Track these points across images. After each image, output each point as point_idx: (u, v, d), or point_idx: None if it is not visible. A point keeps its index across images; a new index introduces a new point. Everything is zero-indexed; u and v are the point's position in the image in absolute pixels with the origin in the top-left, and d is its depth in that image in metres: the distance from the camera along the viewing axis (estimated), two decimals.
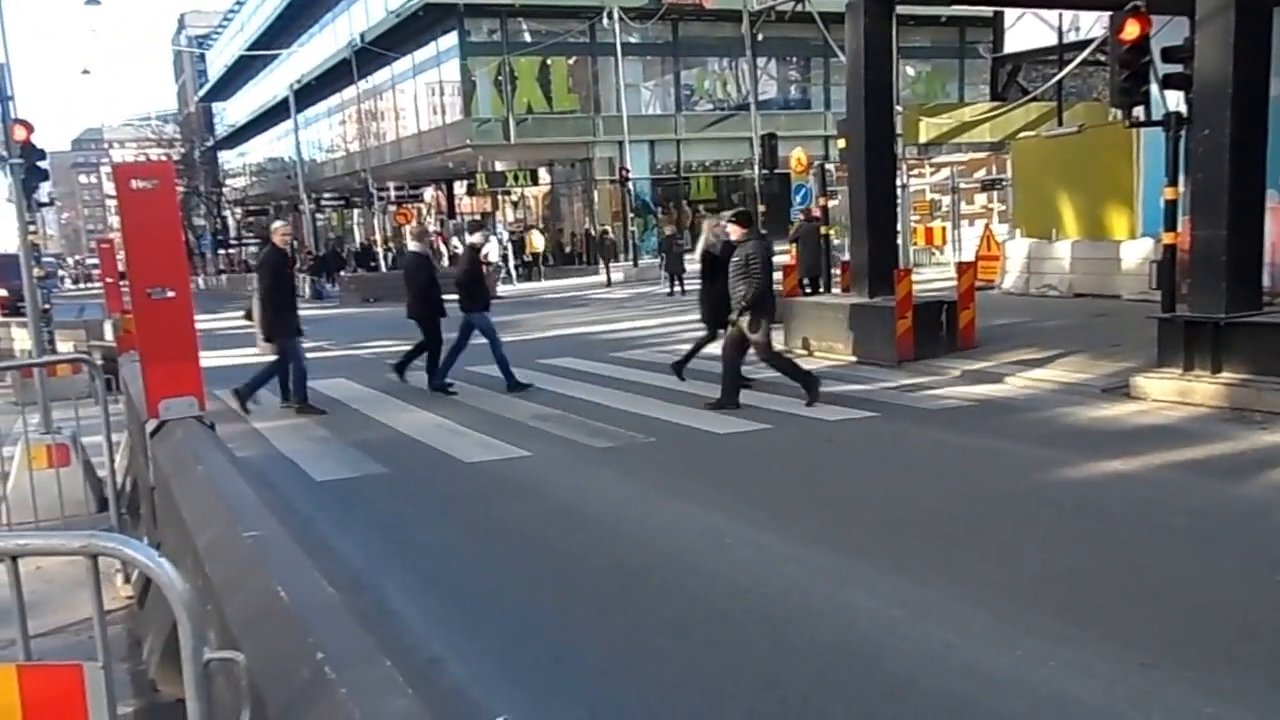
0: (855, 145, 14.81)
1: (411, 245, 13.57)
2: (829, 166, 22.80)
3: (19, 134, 9.92)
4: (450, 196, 52.19)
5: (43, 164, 10.98)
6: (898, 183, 18.29)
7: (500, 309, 26.71)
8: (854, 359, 13.42)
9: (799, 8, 21.75)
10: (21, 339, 17.05)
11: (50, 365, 8.15)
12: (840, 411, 10.34)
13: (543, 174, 44.73)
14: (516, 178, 44.19)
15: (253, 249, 70.36)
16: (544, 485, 8.20)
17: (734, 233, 10.76)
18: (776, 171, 26.81)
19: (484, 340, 13.30)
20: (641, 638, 5.03)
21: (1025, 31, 26.32)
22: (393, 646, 4.77)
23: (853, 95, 14.90)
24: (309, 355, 17.96)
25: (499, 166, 43.83)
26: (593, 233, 40.49)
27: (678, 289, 26.82)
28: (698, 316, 12.92)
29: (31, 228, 11.41)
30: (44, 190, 13.10)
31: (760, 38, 22.40)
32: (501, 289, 32.51)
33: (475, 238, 14.70)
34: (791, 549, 6.22)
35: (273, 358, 11.93)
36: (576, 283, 35.57)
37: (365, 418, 11.50)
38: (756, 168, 21.98)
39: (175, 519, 3.71)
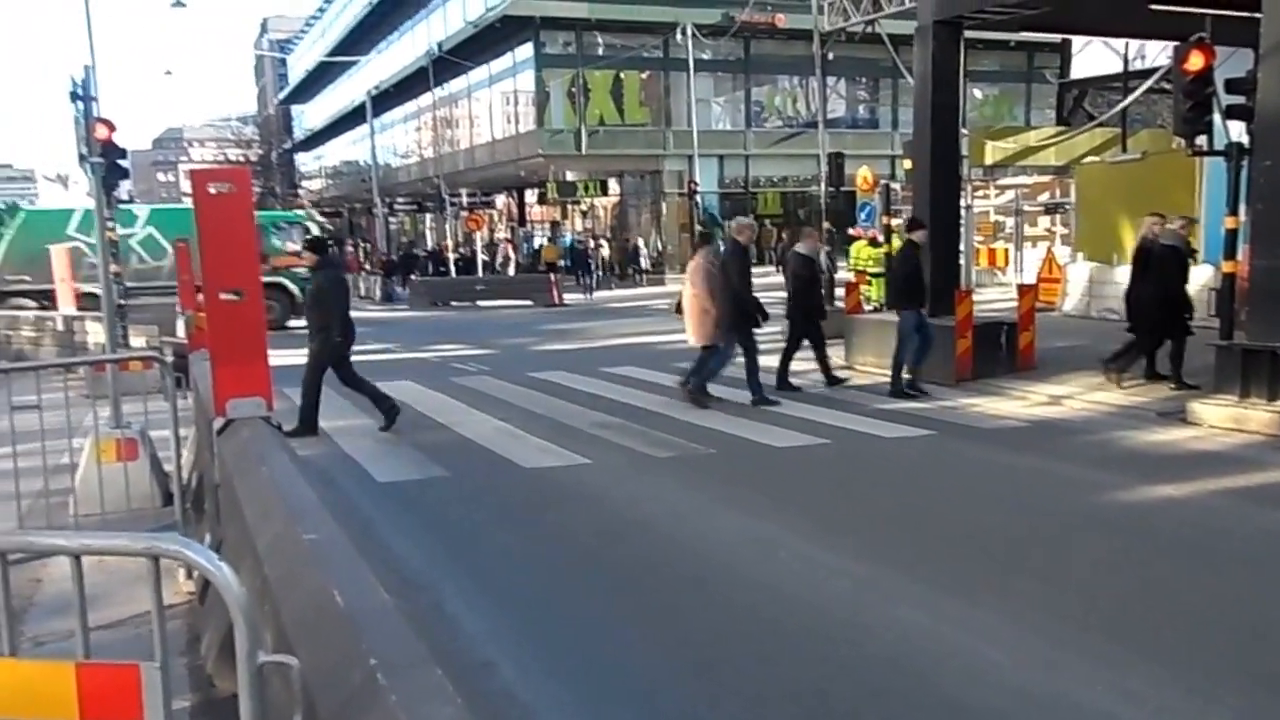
0: (921, 167, 14.78)
1: (799, 247, 13.37)
2: (894, 186, 22.64)
3: (100, 132, 10.18)
4: (521, 204, 52.67)
5: (123, 162, 11.26)
6: (962, 204, 18.13)
7: (565, 317, 27.01)
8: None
9: (870, 30, 21.66)
10: (96, 333, 17.52)
11: (122, 362, 8.34)
12: (898, 429, 10.30)
13: (612, 185, 44.95)
14: (586, 188, 44.49)
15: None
16: (602, 493, 8.22)
17: (307, 261, 10.74)
18: (843, 189, 26.70)
19: (547, 346, 13.29)
20: (693, 647, 5.02)
21: (1092, 57, 26.12)
22: (446, 649, 4.83)
23: (919, 118, 14.88)
24: (378, 357, 18.27)
25: (569, 176, 44.16)
26: (638, 243, 40.65)
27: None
28: (767, 330, 12.95)
29: (110, 224, 11.69)
30: (124, 188, 13.40)
31: (830, 57, 22.32)
32: (568, 298, 32.74)
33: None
34: (844, 563, 6.21)
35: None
36: (641, 292, 35.67)
37: (428, 420, 11.61)
38: (823, 185, 21.82)
39: (237, 517, 3.77)
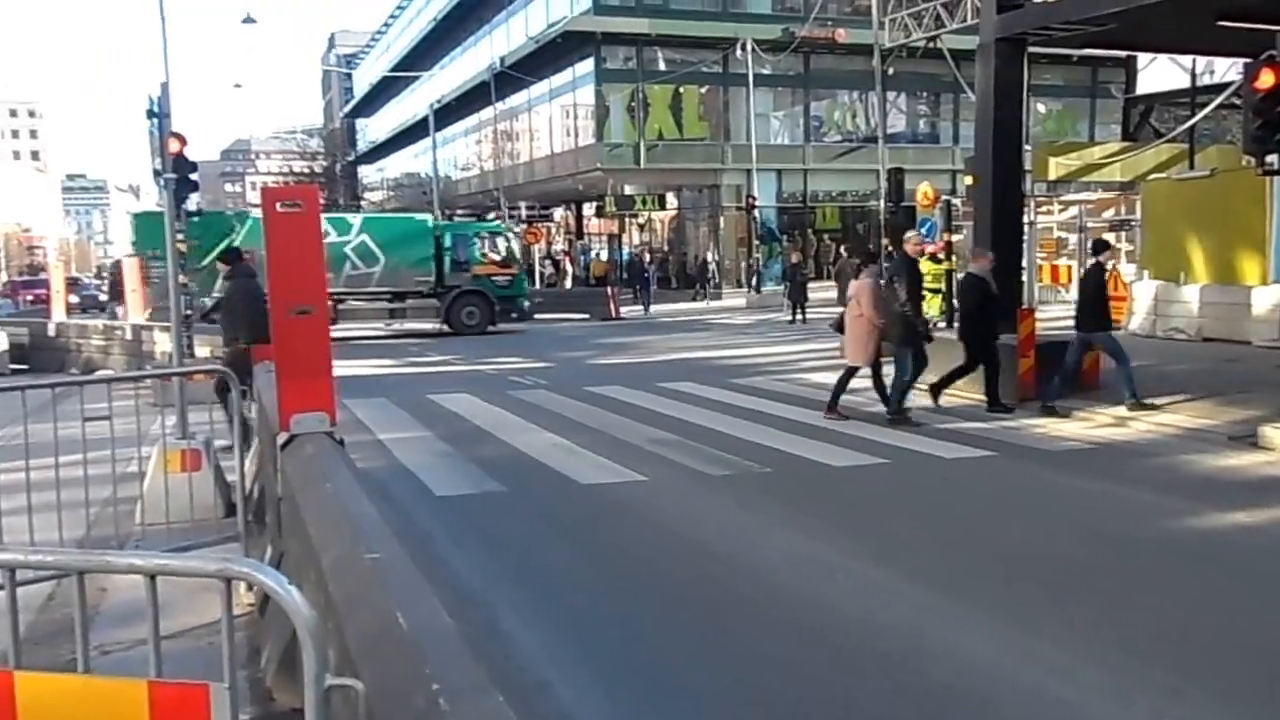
0: (982, 184, 14.61)
1: (972, 267, 12.97)
2: (955, 201, 22.42)
3: (172, 147, 10.41)
4: (579, 217, 52.97)
5: (193, 176, 11.48)
6: (1024, 220, 17.92)
7: (622, 331, 27.08)
8: (975, 397, 13.09)
9: (931, 45, 21.52)
10: (163, 342, 17.90)
11: (189, 375, 8.50)
12: (958, 449, 10.15)
13: (670, 199, 45.06)
14: (645, 202, 44.67)
15: None
16: (658, 511, 8.20)
17: (221, 269, 10.89)
18: (902, 204, 26.53)
19: (604, 360, 13.32)
20: (750, 670, 4.99)
21: (1158, 72, 25.95)
22: (501, 668, 4.84)
23: (981, 134, 14.71)
24: (435, 370, 18.47)
25: (628, 190, 44.37)
26: (706, 259, 40.60)
27: (799, 317, 26.67)
28: (824, 345, 12.86)
29: (179, 235, 11.93)
30: (193, 200, 13.67)
31: (891, 72, 22.21)
32: (625, 311, 32.82)
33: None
34: (903, 587, 6.13)
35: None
36: (698, 306, 35.67)
37: (485, 434, 11.67)
38: (882, 200, 21.68)
39: (301, 533, 3.81)
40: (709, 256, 40.67)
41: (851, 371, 11.92)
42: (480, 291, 27.38)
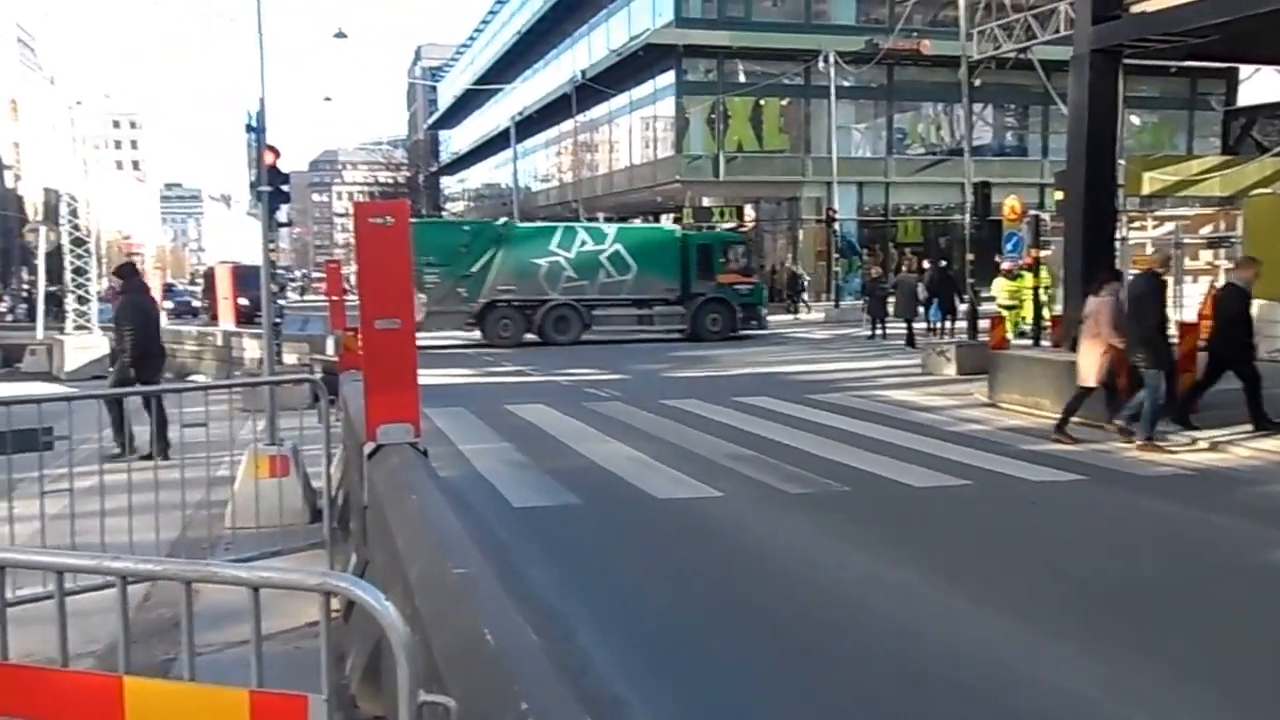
0: (1073, 199, 14.30)
1: (1233, 277, 11.97)
2: (1043, 216, 21.96)
3: (267, 159, 10.69)
4: None
5: (285, 187, 11.78)
6: (1116, 236, 17.46)
7: (698, 344, 27.04)
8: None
9: (1021, 56, 21.12)
10: (252, 348, 18.39)
11: (280, 384, 8.72)
12: (1045, 472, 9.91)
13: (748, 211, 44.95)
14: (723, 213, 44.57)
15: None
16: (734, 527, 8.17)
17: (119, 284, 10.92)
18: (988, 219, 26.11)
19: (679, 373, 13.32)
20: (827, 695, 4.94)
21: (1261, 83, 24.86)
22: (578, 683, 4.86)
23: (1073, 148, 14.39)
24: (511, 380, 18.61)
25: (706, 202, 44.35)
26: (796, 271, 40.40)
27: (879, 333, 26.37)
28: (904, 362, 12.70)
29: (270, 244, 12.23)
30: (283, 210, 13.98)
31: (978, 84, 21.85)
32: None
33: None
34: (987, 614, 6.00)
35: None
36: (774, 319, 35.46)
37: (561, 445, 11.74)
38: (967, 214, 21.34)
39: (387, 544, 3.88)
40: (798, 268, 40.43)
41: (1085, 392, 11.42)
42: (723, 299, 28.13)
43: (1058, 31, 18.75)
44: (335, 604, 5.68)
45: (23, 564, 2.43)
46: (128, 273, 12.25)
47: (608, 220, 45.23)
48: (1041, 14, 19.70)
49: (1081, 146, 13.89)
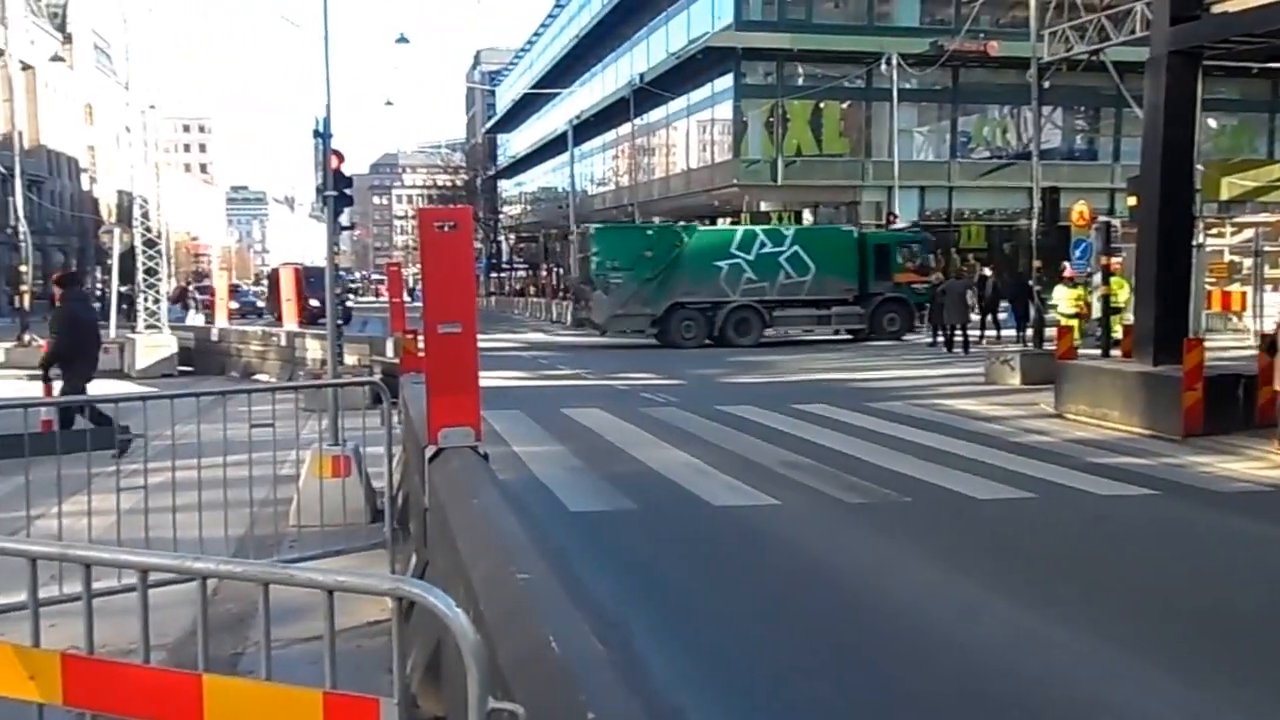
0: (1148, 204, 13.97)
1: None
2: (1114, 222, 21.53)
3: (332, 164, 10.86)
4: None
5: (348, 191, 11.96)
6: (1193, 243, 17.08)
7: (753, 349, 26.95)
8: (1132, 430, 12.58)
9: (1094, 58, 20.68)
10: (314, 349, 18.68)
11: (344, 386, 8.87)
12: (1115, 486, 9.68)
13: (806, 215, 44.69)
14: (781, 218, 44.32)
15: (522, 274, 74.26)
16: (792, 537, 8.12)
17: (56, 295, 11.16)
18: (1056, 225, 25.69)
19: (735, 379, 13.30)
20: (888, 711, 4.88)
21: None
22: (641, 693, 4.86)
23: (1148, 152, 14.05)
24: (567, 384, 18.68)
25: (764, 206, 44.13)
26: None
27: (940, 339, 26.08)
28: (966, 370, 12.53)
29: (336, 248, 12.40)
30: (345, 213, 14.21)
31: (1047, 85, 21.45)
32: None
33: None
34: (1054, 632, 5.86)
35: None
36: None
37: (617, 450, 11.76)
38: (1034, 219, 20.98)
39: (449, 546, 3.92)
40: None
41: None
42: (901, 298, 28.52)
43: (1133, 32, 18.34)
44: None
45: (108, 562, 2.51)
46: (68, 281, 12.85)
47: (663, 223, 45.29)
48: (1116, 14, 19.27)
49: (1157, 150, 13.54)
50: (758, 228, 31.40)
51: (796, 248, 27.82)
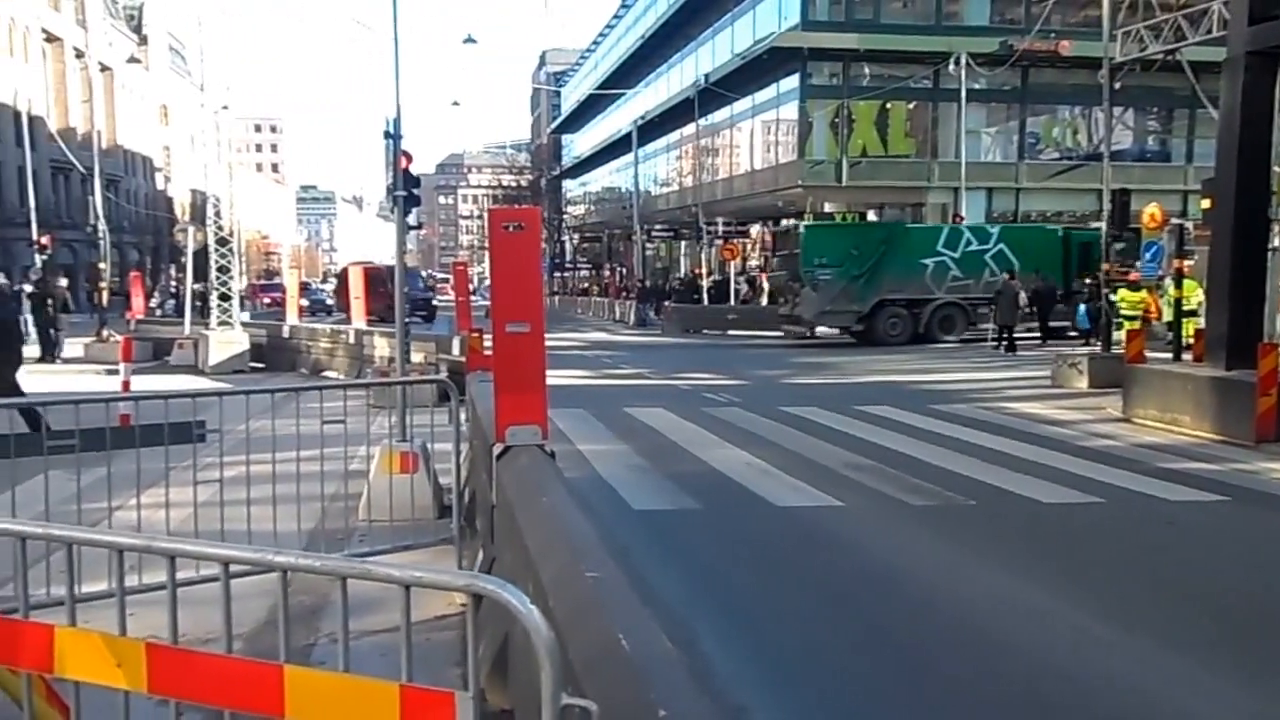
0: (1222, 207, 13.71)
1: None
2: (1187, 225, 21.07)
3: (401, 163, 11.03)
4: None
5: (416, 191, 12.15)
6: (1268, 246, 16.66)
7: (817, 350, 26.83)
8: (1203, 435, 12.34)
9: (1168, 58, 20.22)
10: (381, 347, 18.95)
11: (414, 384, 9.02)
12: (1185, 491, 9.52)
13: (871, 216, 44.32)
14: (845, 219, 44.05)
15: (585, 273, 74.63)
16: (856, 539, 8.09)
17: None
18: (1127, 227, 25.21)
19: (798, 380, 13.26)
20: (953, 715, 4.85)
21: None
22: (706, 690, 4.88)
23: (1223, 154, 13.78)
24: (630, 383, 18.72)
25: (828, 207, 43.86)
26: None
27: (1005, 341, 25.75)
28: (1032, 373, 12.38)
29: (406, 247, 12.59)
30: (413, 213, 14.44)
31: (1119, 86, 21.01)
32: (820, 330, 32.44)
33: None
34: (1122, 639, 5.79)
35: None
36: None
37: (680, 450, 11.79)
38: (1104, 222, 20.58)
39: (517, 543, 3.97)
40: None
41: None
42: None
43: (1210, 32, 17.92)
44: (463, 598, 5.85)
45: (193, 554, 2.58)
46: None
47: (726, 225, 45.19)
48: (1192, 14, 18.84)
49: (1232, 152, 13.31)
50: (963, 226, 31.47)
51: (1002, 245, 27.98)
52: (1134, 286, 21.25)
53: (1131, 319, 19.27)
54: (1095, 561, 7.46)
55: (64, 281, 30.58)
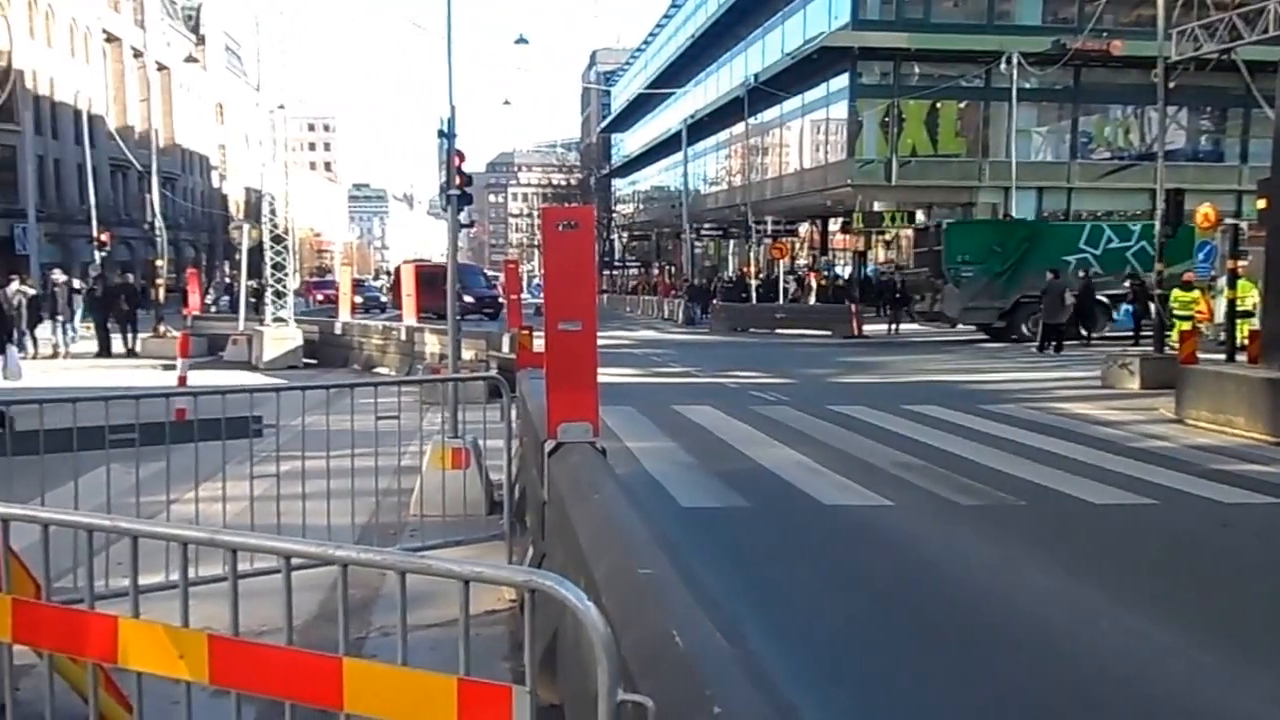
0: (1278, 206, 13.43)
1: None
2: (1242, 225, 20.67)
3: (454, 162, 11.13)
4: (824, 233, 52.55)
5: (469, 189, 12.25)
6: None
7: (865, 349, 26.67)
8: (1258, 437, 12.14)
9: (1223, 57, 19.87)
10: (432, 343, 19.12)
11: (464, 380, 9.10)
12: (1238, 493, 9.38)
13: (920, 216, 43.95)
14: (893, 218, 43.77)
15: (634, 272, 74.72)
16: (904, 538, 8.05)
17: None
18: (1179, 226, 24.79)
19: (846, 379, 13.19)
20: (1009, 713, 4.83)
21: None
22: (761, 687, 4.89)
23: (1279, 153, 13.48)
24: (677, 381, 18.72)
25: (877, 206, 43.61)
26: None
27: (1052, 342, 25.45)
28: (1081, 374, 12.24)
29: (453, 245, 12.68)
30: (464, 211, 14.57)
31: (1173, 85, 20.66)
32: (869, 329, 32.29)
33: None
34: (1176, 641, 5.74)
35: None
36: (945, 327, 34.57)
37: (728, 447, 11.79)
38: (1157, 221, 20.27)
39: (569, 540, 4.01)
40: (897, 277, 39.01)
41: None
42: None
43: (1265, 32, 17.59)
44: (512, 594, 5.90)
45: (254, 548, 2.64)
46: None
47: (775, 224, 45.00)
48: (1248, 13, 18.50)
49: None
50: (1105, 223, 31.36)
51: (1144, 243, 27.61)
52: (1187, 286, 20.92)
53: (1184, 319, 18.98)
54: (1148, 563, 7.39)
55: (130, 277, 31.22)
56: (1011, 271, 27.68)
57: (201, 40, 74.16)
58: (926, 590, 6.73)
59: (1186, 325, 18.46)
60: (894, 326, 33.29)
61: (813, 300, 41.28)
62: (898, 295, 34.43)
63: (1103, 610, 6.27)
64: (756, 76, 46.32)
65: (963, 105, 41.68)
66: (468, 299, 38.67)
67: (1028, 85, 38.35)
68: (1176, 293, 20.22)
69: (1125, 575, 7.05)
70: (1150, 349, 19.01)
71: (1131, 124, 42.34)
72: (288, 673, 2.37)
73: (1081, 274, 26.95)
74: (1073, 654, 5.55)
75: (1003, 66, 37.02)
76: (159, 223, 38.74)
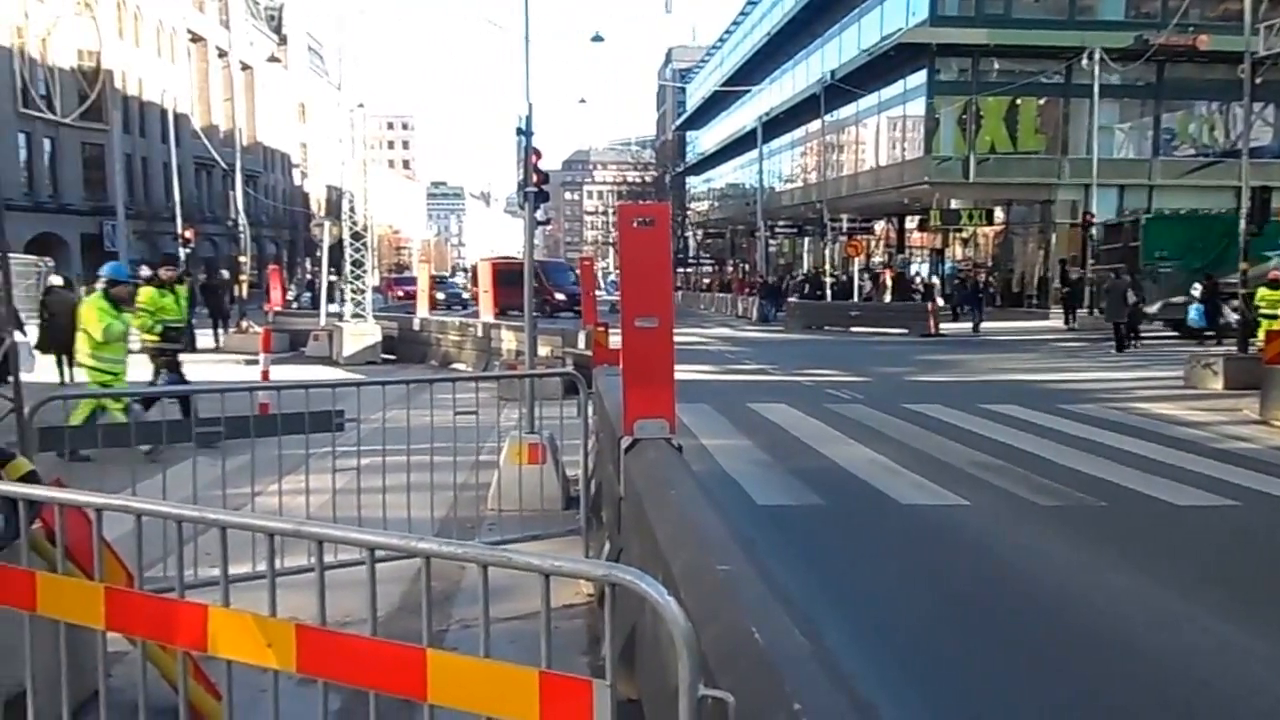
0: None
1: None
2: None
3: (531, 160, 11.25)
4: (900, 231, 51.95)
5: (545, 187, 12.37)
6: None
7: (941, 348, 26.31)
8: None
9: None
10: (508, 340, 19.33)
11: (540, 377, 9.20)
12: None
13: (998, 213, 43.21)
14: (971, 216, 43.07)
15: (708, 269, 74.62)
16: (982, 539, 7.95)
17: None
18: (1266, 224, 24.04)
19: (922, 377, 13.03)
20: (1091, 716, 4.75)
21: None
22: (841, 684, 4.87)
23: None
24: (752, 379, 18.66)
25: (954, 204, 42.98)
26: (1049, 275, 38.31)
27: (1131, 342, 24.89)
28: (1162, 374, 11.97)
29: (529, 240, 12.80)
30: (540, 208, 14.70)
31: (1259, 81, 20.02)
32: (945, 328, 31.87)
33: None
34: (1260, 645, 5.60)
35: None
36: (1023, 325, 34.01)
37: (804, 446, 11.73)
38: (1242, 219, 19.69)
39: (645, 536, 4.03)
40: (1082, 273, 37.66)
41: None
42: None
43: None
44: (591, 588, 5.94)
45: (339, 539, 2.69)
46: None
47: (851, 222, 44.61)
48: None
49: None
50: None
51: None
52: (1273, 285, 20.29)
53: (1270, 318, 18.40)
54: (1230, 565, 7.24)
55: (225, 274, 32.03)
56: (1212, 267, 26.44)
57: (284, 40, 75.69)
58: (1004, 590, 6.65)
59: (1274, 325, 17.88)
60: (976, 325, 32.64)
61: (888, 298, 40.80)
62: (978, 295, 33.75)
63: (1185, 613, 6.14)
64: (833, 73, 45.95)
65: (1042, 102, 40.89)
66: (559, 296, 38.88)
67: (1110, 81, 37.46)
68: (1263, 291, 19.61)
69: (1208, 578, 6.90)
70: (1234, 348, 18.53)
71: (1216, 120, 41.20)
72: (373, 663, 2.40)
73: (1207, 278, 26.14)
74: (1153, 655, 5.45)
75: (1084, 62, 36.20)
76: (242, 220, 39.59)
